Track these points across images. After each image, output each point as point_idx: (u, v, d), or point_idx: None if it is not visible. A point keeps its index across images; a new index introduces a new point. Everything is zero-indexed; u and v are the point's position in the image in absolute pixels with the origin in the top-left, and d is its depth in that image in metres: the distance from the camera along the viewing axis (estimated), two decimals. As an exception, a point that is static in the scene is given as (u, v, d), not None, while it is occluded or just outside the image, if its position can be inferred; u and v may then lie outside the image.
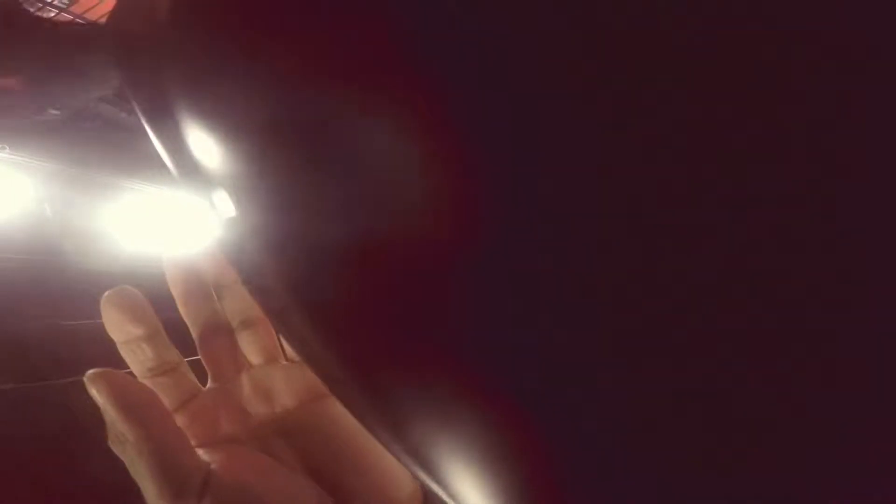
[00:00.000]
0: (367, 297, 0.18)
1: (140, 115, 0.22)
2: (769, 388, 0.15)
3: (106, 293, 0.35)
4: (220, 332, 0.38)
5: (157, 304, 0.36)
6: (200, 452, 0.32)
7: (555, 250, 0.16)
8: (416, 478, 0.20)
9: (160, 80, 0.20)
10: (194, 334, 0.38)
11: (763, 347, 0.15)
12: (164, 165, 0.22)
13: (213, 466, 0.31)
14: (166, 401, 0.34)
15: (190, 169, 0.20)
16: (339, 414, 0.36)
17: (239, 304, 0.39)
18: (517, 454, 0.17)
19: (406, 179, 0.17)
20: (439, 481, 0.18)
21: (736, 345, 0.15)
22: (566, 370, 0.16)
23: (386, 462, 0.34)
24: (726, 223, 0.15)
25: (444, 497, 0.19)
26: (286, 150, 0.18)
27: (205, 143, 0.19)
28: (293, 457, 0.35)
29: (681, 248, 0.15)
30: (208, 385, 0.37)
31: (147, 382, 0.35)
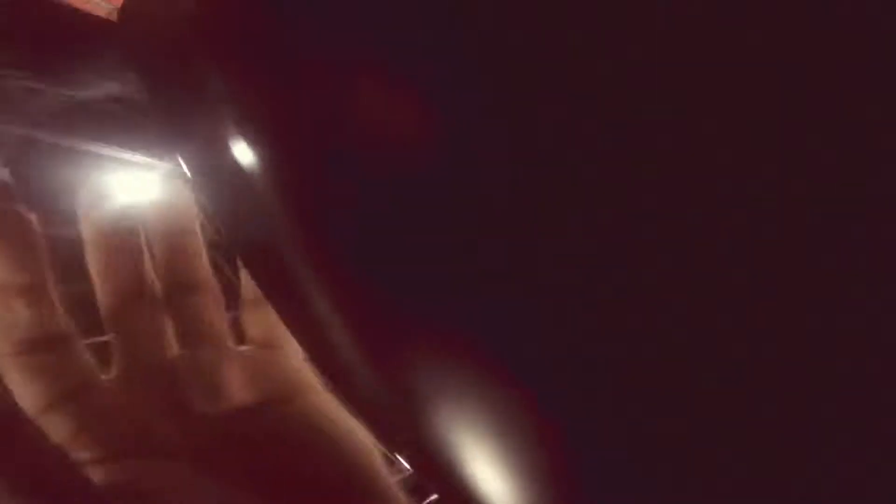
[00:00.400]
0: (392, 263, 0.17)
1: (148, 89, 0.21)
2: (794, 387, 0.15)
3: None
4: (144, 297, 0.27)
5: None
6: (100, 472, 0.21)
7: (575, 246, 0.15)
8: (416, 481, 0.19)
9: (180, 60, 0.20)
10: (108, 302, 0.27)
11: (790, 343, 0.15)
12: (137, 131, 0.21)
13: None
14: (45, 393, 0.22)
15: (203, 155, 0.19)
16: (315, 424, 0.27)
17: (180, 263, 0.29)
18: (538, 449, 0.16)
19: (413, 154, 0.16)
20: (447, 475, 0.18)
21: (764, 343, 0.15)
22: (593, 366, 0.16)
23: (367, 497, 0.26)
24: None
25: (450, 495, 0.18)
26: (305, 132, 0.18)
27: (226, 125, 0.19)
28: (247, 479, 0.24)
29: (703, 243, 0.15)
30: (113, 372, 0.26)
31: (15, 362, 0.22)
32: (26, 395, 0.22)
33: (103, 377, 0.25)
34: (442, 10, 0.16)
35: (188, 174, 0.20)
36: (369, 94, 0.16)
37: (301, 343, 0.20)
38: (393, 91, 0.16)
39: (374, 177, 0.17)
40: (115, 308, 0.27)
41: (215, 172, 0.19)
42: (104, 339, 0.27)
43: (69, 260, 0.28)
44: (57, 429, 0.21)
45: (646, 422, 0.16)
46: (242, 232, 0.20)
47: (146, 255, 0.29)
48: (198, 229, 0.31)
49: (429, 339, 0.17)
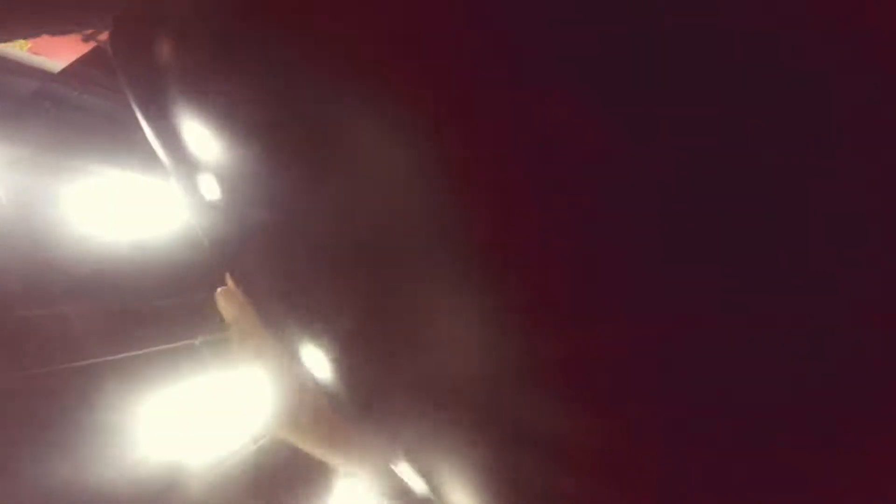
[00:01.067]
0: (352, 296, 0.17)
1: (132, 98, 0.21)
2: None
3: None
4: None
5: (122, 290, 0.34)
6: None
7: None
8: (407, 483, 0.19)
9: (159, 66, 0.20)
10: None
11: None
12: (127, 148, 0.21)
13: None
14: None
15: (183, 155, 0.19)
16: None
17: None
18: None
19: (404, 182, 0.16)
20: (433, 484, 0.18)
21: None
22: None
23: None
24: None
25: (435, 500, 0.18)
26: (287, 143, 0.17)
27: (203, 131, 0.19)
28: None
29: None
30: None
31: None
32: None
33: None
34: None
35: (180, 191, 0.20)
36: None
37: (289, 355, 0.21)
38: None
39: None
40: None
41: (198, 188, 0.19)
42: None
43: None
44: None
45: None
46: (226, 247, 0.20)
47: None
48: None
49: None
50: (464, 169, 0.16)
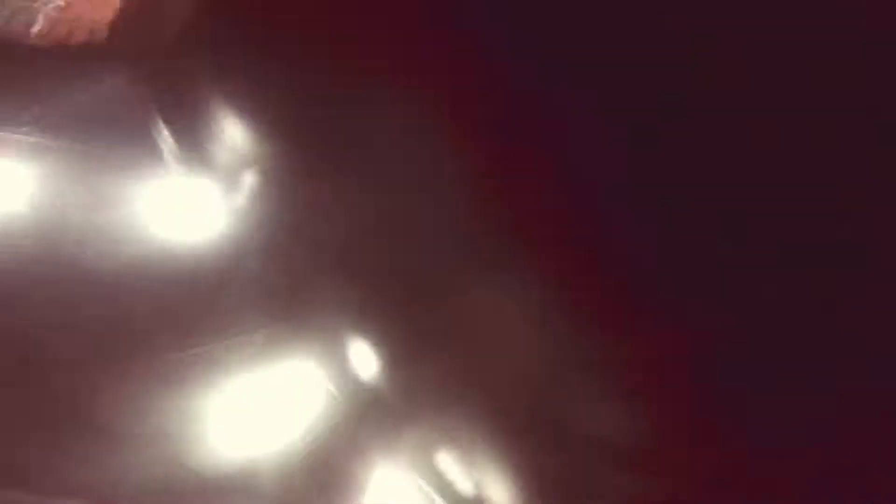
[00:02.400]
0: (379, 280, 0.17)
1: (156, 104, 0.22)
2: None
3: None
4: None
5: (158, 289, 0.34)
6: None
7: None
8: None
9: (192, 76, 0.20)
10: None
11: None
12: (172, 153, 0.22)
13: None
14: None
15: (216, 158, 0.20)
16: None
17: None
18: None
19: (435, 178, 0.16)
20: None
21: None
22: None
23: None
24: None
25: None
26: (316, 137, 0.18)
27: (237, 135, 0.19)
28: None
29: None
30: None
31: None
32: None
33: None
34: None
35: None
36: None
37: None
38: None
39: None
40: None
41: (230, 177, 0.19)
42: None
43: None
44: None
45: None
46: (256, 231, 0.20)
47: None
48: None
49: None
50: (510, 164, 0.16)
